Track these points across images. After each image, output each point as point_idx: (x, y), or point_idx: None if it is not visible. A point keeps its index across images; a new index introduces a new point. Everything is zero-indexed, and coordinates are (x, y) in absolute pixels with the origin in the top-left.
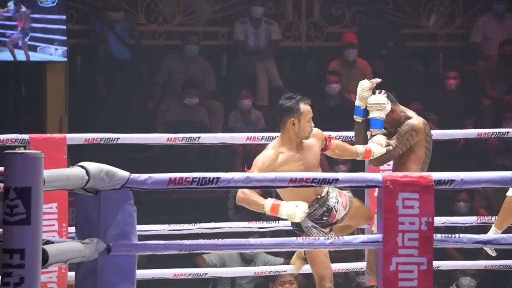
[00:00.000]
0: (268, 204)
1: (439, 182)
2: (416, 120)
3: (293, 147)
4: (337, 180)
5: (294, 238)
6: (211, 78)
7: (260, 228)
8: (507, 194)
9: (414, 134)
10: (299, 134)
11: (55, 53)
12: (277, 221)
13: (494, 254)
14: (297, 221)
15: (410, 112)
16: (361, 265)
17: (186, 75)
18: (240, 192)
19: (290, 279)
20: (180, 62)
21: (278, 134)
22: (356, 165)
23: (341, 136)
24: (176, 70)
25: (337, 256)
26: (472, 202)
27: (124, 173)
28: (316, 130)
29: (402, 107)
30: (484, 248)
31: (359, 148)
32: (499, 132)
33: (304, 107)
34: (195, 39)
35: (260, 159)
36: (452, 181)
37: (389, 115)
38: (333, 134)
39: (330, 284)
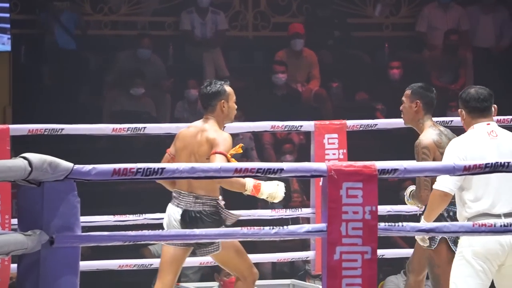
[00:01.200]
0: (249, 184)
1: (383, 171)
2: (423, 137)
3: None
4: (282, 170)
5: (239, 228)
6: (157, 68)
7: None
8: (434, 187)
9: (427, 151)
10: (229, 115)
11: None
12: None
13: (425, 244)
14: (278, 200)
15: (427, 128)
16: (307, 254)
17: (132, 65)
18: None
19: None
20: (126, 53)
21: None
22: (302, 155)
23: (287, 125)
24: (123, 61)
25: (283, 245)
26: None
27: (68, 164)
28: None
29: (430, 121)
30: (416, 238)
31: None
32: (443, 121)
33: (229, 88)
34: (147, 42)
35: (222, 139)
36: (395, 170)
37: (412, 111)
38: (280, 124)
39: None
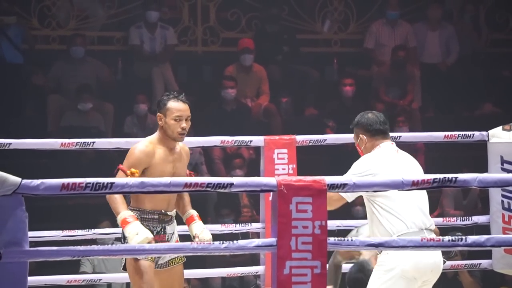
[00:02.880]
0: (121, 216)
1: (332, 186)
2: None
3: (167, 147)
4: (231, 184)
5: (189, 243)
6: (105, 82)
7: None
8: None
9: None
10: (166, 131)
11: None
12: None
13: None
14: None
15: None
16: (256, 268)
17: (78, 79)
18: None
19: (184, 287)
20: (71, 66)
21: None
22: (252, 170)
23: (237, 140)
24: (69, 74)
25: (233, 260)
26: None
27: (16, 179)
28: (188, 150)
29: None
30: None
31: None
32: (392, 137)
33: (173, 103)
34: (81, 41)
35: (129, 154)
36: (345, 185)
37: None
38: (229, 138)
39: None
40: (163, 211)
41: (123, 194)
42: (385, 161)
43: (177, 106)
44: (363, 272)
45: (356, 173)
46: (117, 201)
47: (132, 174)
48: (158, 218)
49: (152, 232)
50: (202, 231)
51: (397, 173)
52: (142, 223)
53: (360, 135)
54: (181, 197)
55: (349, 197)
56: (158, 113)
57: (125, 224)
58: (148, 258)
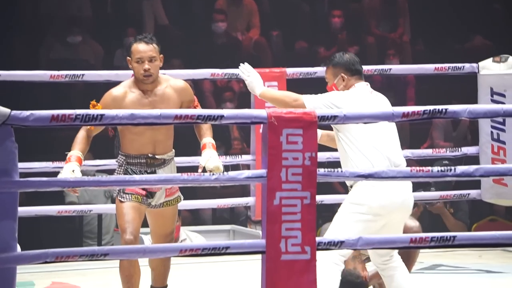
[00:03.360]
0: (69, 154)
1: (323, 118)
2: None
3: (142, 90)
4: (222, 116)
5: (179, 174)
6: (96, 16)
7: None
8: (303, 97)
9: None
10: (136, 75)
11: None
12: None
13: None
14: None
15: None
16: (246, 200)
17: (68, 13)
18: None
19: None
20: (60, 0)
21: (165, 72)
22: (242, 103)
23: (227, 73)
24: (59, 8)
25: (223, 192)
26: None
27: (5, 110)
28: (183, 86)
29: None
30: None
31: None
32: (382, 69)
33: (135, 46)
34: None
35: (107, 94)
36: (335, 117)
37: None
38: (220, 71)
39: (131, 236)
40: (149, 154)
41: (88, 138)
42: (359, 99)
43: (138, 47)
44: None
45: (329, 100)
46: (76, 140)
47: (93, 107)
48: (145, 162)
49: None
50: (208, 160)
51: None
52: (129, 168)
53: (341, 74)
54: (198, 126)
55: (310, 108)
56: (127, 57)
57: (66, 162)
58: (133, 199)
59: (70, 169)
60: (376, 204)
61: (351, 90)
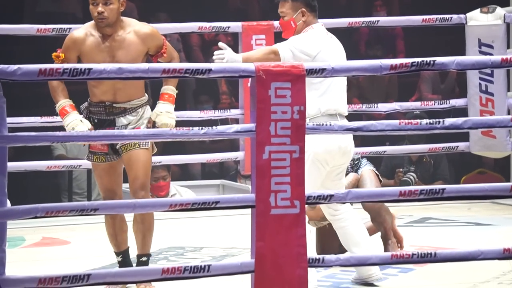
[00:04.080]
0: (59, 105)
1: (311, 71)
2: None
3: (103, 34)
4: (210, 70)
5: (168, 128)
6: None
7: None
8: (277, 46)
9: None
10: (92, 17)
11: None
12: None
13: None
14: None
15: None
16: (236, 154)
17: None
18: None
19: (163, 175)
20: None
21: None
22: None
23: (214, 26)
24: None
25: (212, 147)
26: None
27: None
28: (149, 31)
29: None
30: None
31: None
32: (369, 21)
33: None
34: None
35: (69, 36)
36: (323, 70)
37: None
38: (207, 25)
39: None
40: (107, 102)
41: (62, 83)
42: (321, 42)
43: None
44: None
45: (296, 47)
46: (56, 89)
47: (56, 57)
48: (104, 110)
49: (102, 126)
50: (158, 115)
51: (331, 56)
52: (90, 115)
53: (302, 9)
54: None
55: (284, 58)
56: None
57: (62, 115)
58: (95, 159)
59: (78, 120)
60: (321, 150)
61: (309, 32)
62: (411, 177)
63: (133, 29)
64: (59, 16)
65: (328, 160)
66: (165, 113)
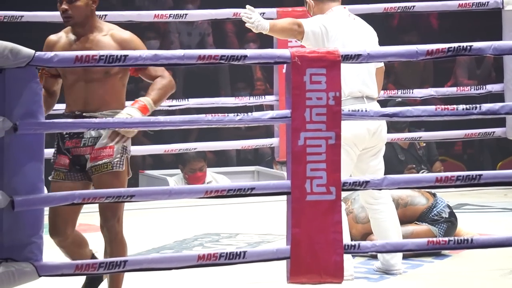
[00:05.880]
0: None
1: (346, 57)
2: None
3: (76, 35)
4: (245, 56)
5: (203, 115)
6: None
7: (170, 106)
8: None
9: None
10: None
11: None
12: (186, 99)
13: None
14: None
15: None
16: (270, 141)
17: None
18: None
19: (200, 165)
20: None
21: (186, 12)
22: (265, 43)
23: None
24: None
25: (247, 134)
26: (387, 79)
27: (29, 51)
28: (127, 37)
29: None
30: None
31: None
32: (405, 6)
33: None
34: None
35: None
36: (359, 55)
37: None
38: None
39: (56, 239)
40: (76, 112)
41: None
42: (338, 23)
43: None
44: None
45: (319, 22)
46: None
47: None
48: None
49: (64, 137)
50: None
51: (351, 36)
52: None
53: (308, 0)
54: (153, 83)
55: (307, 31)
56: None
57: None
58: (55, 176)
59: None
60: (349, 135)
61: (328, 13)
62: (427, 170)
63: (111, 32)
64: None
65: (358, 143)
66: (125, 114)
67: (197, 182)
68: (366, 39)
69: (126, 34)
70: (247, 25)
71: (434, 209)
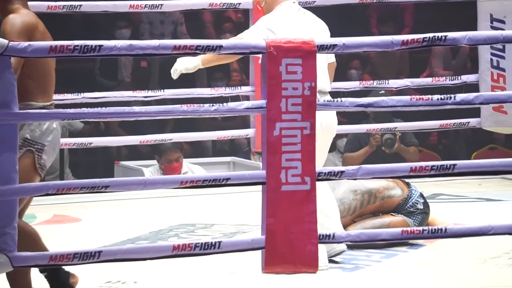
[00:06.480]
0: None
1: (322, 47)
2: None
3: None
4: (221, 46)
5: (179, 105)
6: None
7: (145, 97)
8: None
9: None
10: None
11: None
12: (162, 90)
13: None
14: None
15: None
16: (246, 132)
17: None
18: None
19: (177, 156)
20: None
21: (162, 2)
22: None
23: (225, 3)
24: None
25: (223, 125)
26: (364, 70)
27: (2, 41)
28: (5, 20)
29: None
30: None
31: None
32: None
33: None
34: None
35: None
36: (334, 45)
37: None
38: (218, 1)
39: None
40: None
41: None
42: (286, 19)
43: None
44: None
45: (264, 27)
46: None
47: None
48: None
49: None
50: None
51: (299, 32)
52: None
53: None
54: None
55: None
56: None
57: None
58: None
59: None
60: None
61: (277, 10)
62: (392, 136)
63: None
64: None
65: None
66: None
67: (173, 173)
68: (316, 33)
69: (9, 17)
70: (182, 71)
71: (410, 200)
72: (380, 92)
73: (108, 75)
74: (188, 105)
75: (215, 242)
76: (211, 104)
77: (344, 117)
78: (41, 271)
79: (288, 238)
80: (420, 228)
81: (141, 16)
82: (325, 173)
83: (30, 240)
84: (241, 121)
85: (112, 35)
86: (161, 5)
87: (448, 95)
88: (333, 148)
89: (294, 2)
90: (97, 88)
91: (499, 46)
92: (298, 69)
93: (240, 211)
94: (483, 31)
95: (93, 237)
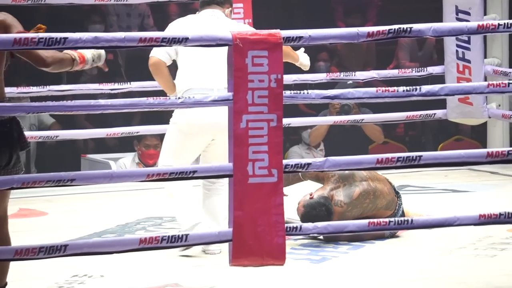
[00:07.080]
0: (74, 53)
1: (288, 39)
2: None
3: None
4: (187, 39)
5: (145, 98)
6: None
7: (112, 89)
8: (150, 55)
9: None
10: None
11: None
12: (128, 83)
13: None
14: (103, 58)
15: None
16: None
17: None
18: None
19: (155, 143)
20: None
21: None
22: None
23: None
24: None
25: None
26: (331, 62)
27: None
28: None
29: None
30: None
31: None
32: None
33: None
34: None
35: None
36: (300, 37)
37: None
38: None
39: None
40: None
41: None
42: (190, 22)
43: None
44: (325, 206)
45: (161, 55)
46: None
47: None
48: None
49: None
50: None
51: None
52: None
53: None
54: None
55: (166, 57)
56: None
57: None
58: None
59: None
60: (183, 122)
61: (190, 15)
62: (349, 104)
63: None
64: None
65: (193, 133)
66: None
67: (150, 160)
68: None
69: None
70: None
71: (397, 214)
72: (348, 83)
73: None
74: (155, 98)
75: (182, 235)
76: (177, 97)
77: (312, 109)
78: None
79: (255, 231)
80: (387, 220)
81: (109, 9)
82: (292, 165)
83: None
84: None
85: (86, 30)
86: None
87: (414, 87)
88: (299, 140)
89: (213, 11)
90: (63, 81)
91: (465, 37)
92: (264, 61)
93: None
94: (448, 23)
95: (59, 231)
